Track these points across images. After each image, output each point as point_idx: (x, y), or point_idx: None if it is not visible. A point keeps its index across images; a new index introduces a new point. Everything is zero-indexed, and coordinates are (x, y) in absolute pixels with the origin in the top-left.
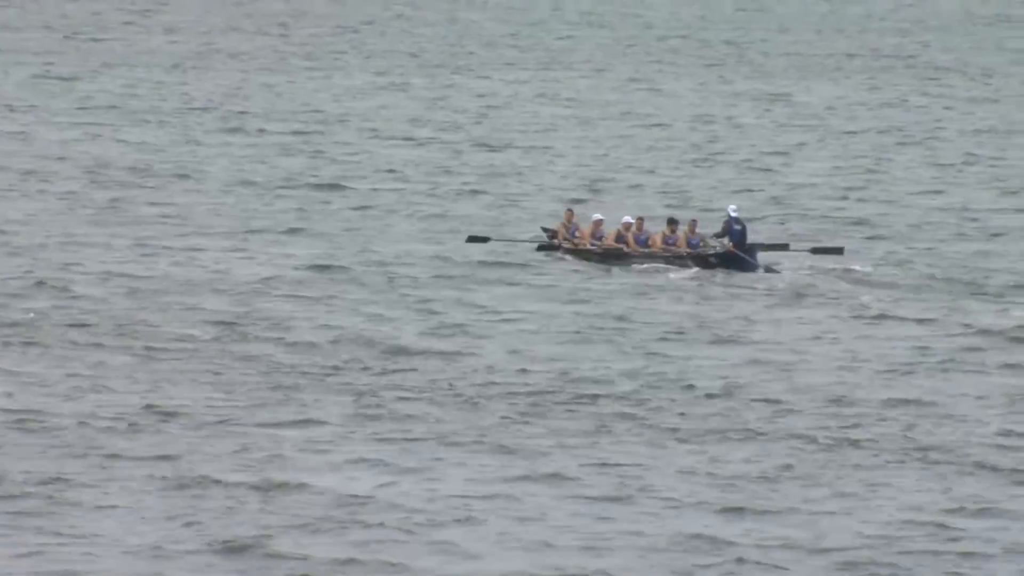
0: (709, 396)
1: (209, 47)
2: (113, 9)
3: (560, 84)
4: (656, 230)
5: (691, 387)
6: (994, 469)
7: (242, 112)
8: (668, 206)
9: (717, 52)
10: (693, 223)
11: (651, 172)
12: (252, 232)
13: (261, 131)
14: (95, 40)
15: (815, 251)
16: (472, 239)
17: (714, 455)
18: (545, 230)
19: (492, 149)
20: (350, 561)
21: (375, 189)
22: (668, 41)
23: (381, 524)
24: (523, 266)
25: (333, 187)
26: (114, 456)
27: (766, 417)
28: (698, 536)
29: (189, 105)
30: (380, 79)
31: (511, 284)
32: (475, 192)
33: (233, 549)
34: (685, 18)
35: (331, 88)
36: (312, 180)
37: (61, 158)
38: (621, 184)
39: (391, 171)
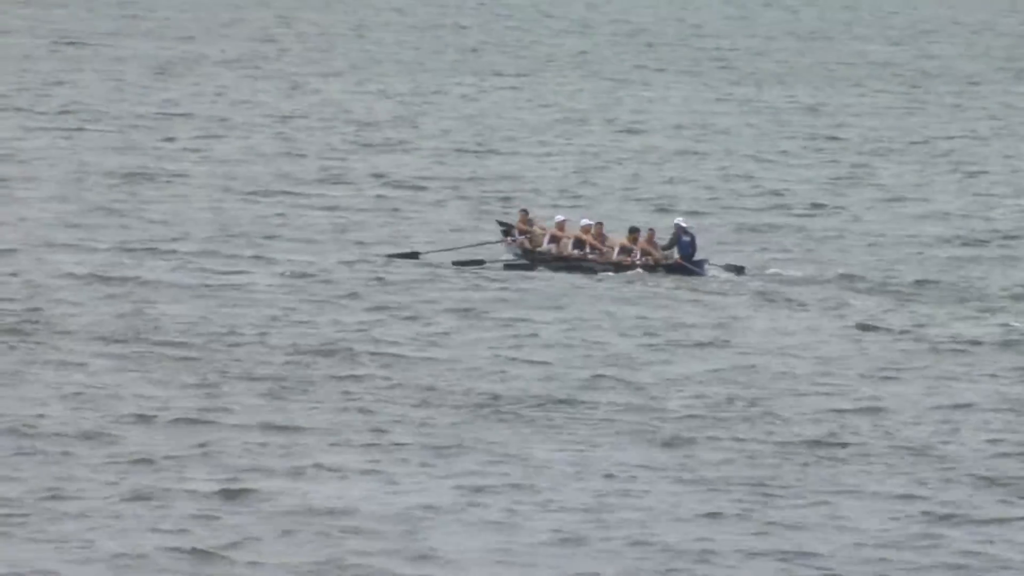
0: (678, 404)
1: (189, 53)
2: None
3: (537, 89)
4: (610, 233)
5: (656, 394)
6: (968, 476)
7: (223, 118)
8: (653, 209)
9: (703, 58)
10: (651, 232)
11: (632, 176)
12: (231, 236)
13: (246, 135)
14: (76, 44)
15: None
16: (394, 256)
17: (688, 462)
18: (502, 224)
19: (478, 154)
20: (326, 567)
21: (356, 193)
22: (656, 48)
23: (356, 530)
24: (485, 273)
25: (310, 191)
26: (86, 463)
27: (732, 423)
28: (673, 544)
29: (166, 111)
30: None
31: (467, 290)
32: (457, 197)
33: (207, 555)
34: (672, 24)
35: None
36: (289, 184)
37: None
38: (593, 189)
39: (376, 176)
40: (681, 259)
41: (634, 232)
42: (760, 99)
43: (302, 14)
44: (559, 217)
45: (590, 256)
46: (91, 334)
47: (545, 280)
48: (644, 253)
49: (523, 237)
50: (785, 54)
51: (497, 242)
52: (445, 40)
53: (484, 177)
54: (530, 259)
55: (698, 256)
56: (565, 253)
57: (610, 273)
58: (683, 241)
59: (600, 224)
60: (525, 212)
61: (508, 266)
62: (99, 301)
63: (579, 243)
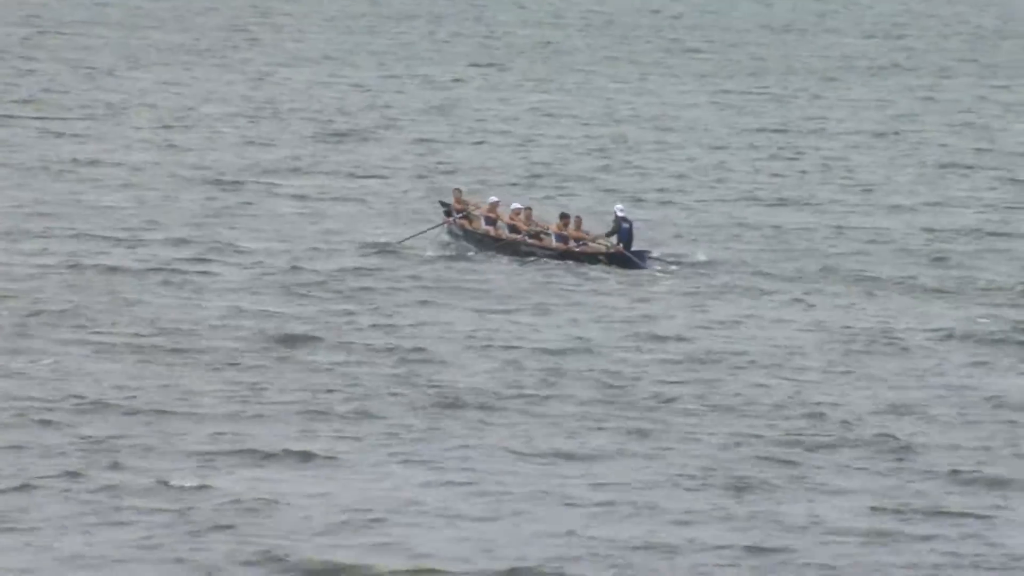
0: (636, 395)
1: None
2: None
3: (505, 79)
4: (537, 218)
5: (599, 384)
6: (931, 469)
7: (191, 108)
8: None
9: (677, 49)
10: (579, 220)
11: (598, 167)
12: (202, 227)
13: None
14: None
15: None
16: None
17: (645, 457)
18: (443, 204)
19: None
20: (288, 557)
21: (314, 186)
22: (631, 42)
23: (315, 521)
24: (441, 263)
25: (277, 184)
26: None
27: (689, 415)
28: (633, 535)
29: (133, 100)
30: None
31: (408, 279)
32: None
33: (171, 547)
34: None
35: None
36: (255, 174)
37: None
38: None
39: (343, 166)
40: (622, 247)
41: (564, 218)
42: (732, 90)
43: (276, 4)
44: (492, 198)
45: (529, 240)
46: (54, 323)
47: (492, 267)
48: (578, 240)
49: (462, 217)
50: (758, 47)
51: (440, 224)
52: (419, 30)
53: (451, 166)
54: (471, 240)
55: (637, 245)
56: (504, 236)
57: (553, 260)
58: (623, 228)
59: (529, 209)
60: (459, 191)
61: (451, 233)
62: (64, 289)
63: (513, 227)
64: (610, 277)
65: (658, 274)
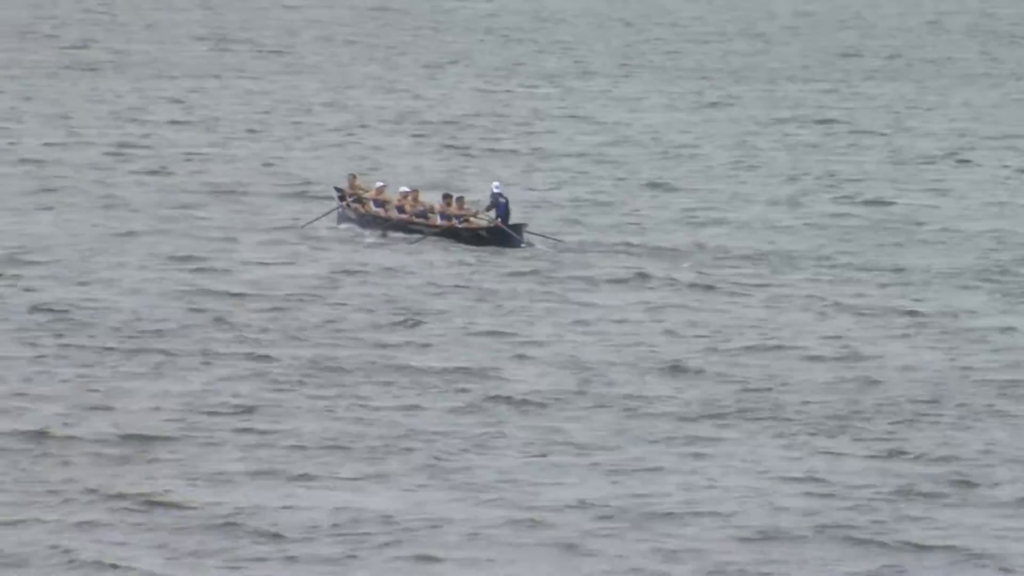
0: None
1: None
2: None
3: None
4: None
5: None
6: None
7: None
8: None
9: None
10: (461, 199)
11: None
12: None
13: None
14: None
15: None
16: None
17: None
18: (337, 190)
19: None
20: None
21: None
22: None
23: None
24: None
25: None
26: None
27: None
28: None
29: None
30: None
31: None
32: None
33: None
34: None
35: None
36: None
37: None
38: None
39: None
40: (500, 222)
41: (447, 198)
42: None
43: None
44: (379, 183)
45: (416, 220)
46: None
47: (385, 246)
48: (464, 219)
49: (355, 201)
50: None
51: (334, 209)
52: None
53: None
54: (362, 222)
55: (515, 220)
56: (392, 217)
57: (436, 236)
58: (500, 203)
59: (416, 191)
60: (353, 176)
61: (343, 217)
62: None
63: (400, 208)
64: (490, 253)
65: (530, 251)
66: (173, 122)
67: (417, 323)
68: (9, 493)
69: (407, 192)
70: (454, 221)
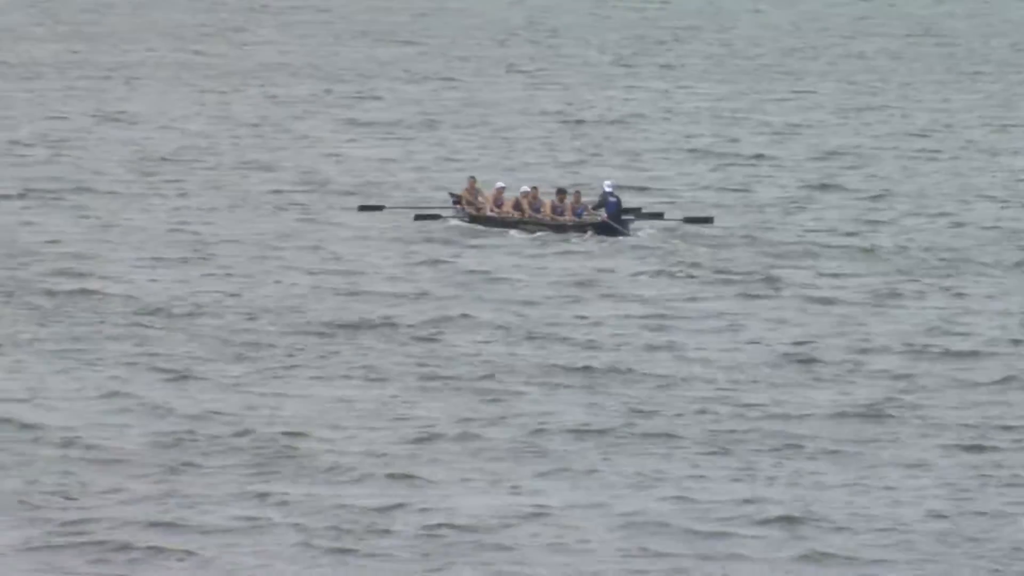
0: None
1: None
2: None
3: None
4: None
5: (576, 343)
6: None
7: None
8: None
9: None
10: (577, 194)
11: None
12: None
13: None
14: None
15: (687, 220)
16: (364, 208)
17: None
18: (452, 195)
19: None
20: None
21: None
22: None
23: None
24: (420, 232)
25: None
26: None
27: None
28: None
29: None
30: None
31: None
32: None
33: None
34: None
35: None
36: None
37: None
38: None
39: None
40: (608, 218)
41: (561, 193)
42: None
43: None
44: (499, 184)
45: (530, 217)
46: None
47: (489, 240)
48: (573, 211)
49: (469, 207)
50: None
51: (448, 208)
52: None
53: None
54: (478, 222)
55: (625, 216)
56: (508, 215)
57: (546, 232)
58: (610, 202)
59: (535, 188)
60: (473, 179)
61: (459, 217)
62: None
63: (517, 206)
64: (589, 244)
65: (635, 240)
66: (337, 124)
67: (538, 320)
68: (166, 483)
69: (527, 191)
70: (565, 217)
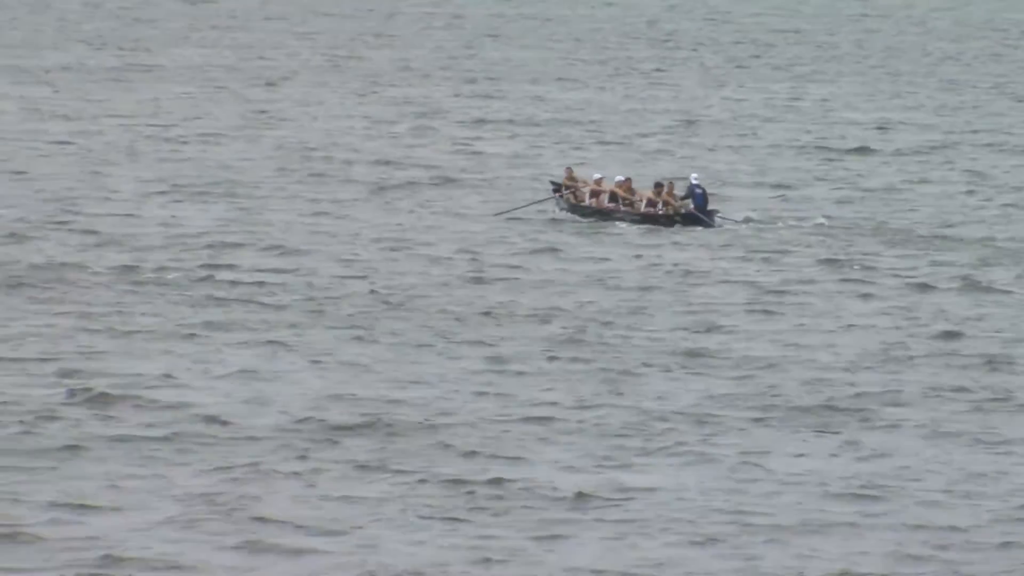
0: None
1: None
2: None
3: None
4: (640, 189)
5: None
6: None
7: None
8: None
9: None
10: (671, 185)
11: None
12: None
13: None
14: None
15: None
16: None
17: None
18: (552, 183)
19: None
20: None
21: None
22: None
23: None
24: (530, 224)
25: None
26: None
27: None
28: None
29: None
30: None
31: (526, 242)
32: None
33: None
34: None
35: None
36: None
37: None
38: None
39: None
40: (695, 209)
41: (659, 187)
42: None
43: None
44: (596, 175)
45: (623, 208)
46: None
47: (591, 229)
48: (667, 204)
49: (569, 192)
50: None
51: (547, 199)
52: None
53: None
54: (575, 210)
55: (710, 207)
56: (603, 206)
57: (638, 223)
58: (696, 194)
59: (629, 180)
60: (570, 169)
61: (559, 206)
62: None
63: (613, 196)
64: (677, 234)
65: (721, 232)
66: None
67: (636, 306)
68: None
69: (621, 181)
70: (658, 208)
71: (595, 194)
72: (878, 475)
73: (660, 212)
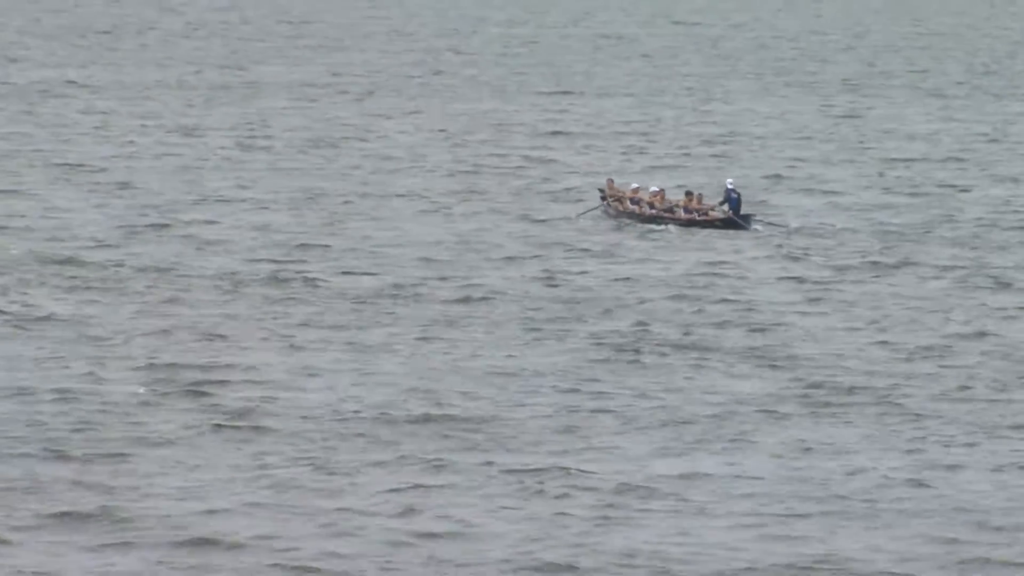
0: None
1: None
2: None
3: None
4: (673, 198)
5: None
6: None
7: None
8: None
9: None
10: (700, 195)
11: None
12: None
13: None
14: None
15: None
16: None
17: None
18: (600, 191)
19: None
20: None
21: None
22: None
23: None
24: (578, 230)
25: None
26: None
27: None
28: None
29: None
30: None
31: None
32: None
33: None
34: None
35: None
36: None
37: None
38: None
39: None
40: (732, 213)
41: (689, 195)
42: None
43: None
44: (633, 185)
45: (664, 214)
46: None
47: (637, 233)
48: (699, 211)
49: (615, 200)
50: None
51: (596, 207)
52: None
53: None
54: (621, 216)
55: (744, 211)
56: (645, 212)
57: (682, 227)
58: (732, 198)
59: (663, 190)
60: (611, 180)
61: (606, 212)
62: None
63: (651, 205)
64: (716, 238)
65: (757, 235)
66: (535, 133)
67: (693, 304)
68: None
69: (656, 191)
70: (694, 214)
71: (635, 202)
72: (925, 464)
73: (699, 217)
